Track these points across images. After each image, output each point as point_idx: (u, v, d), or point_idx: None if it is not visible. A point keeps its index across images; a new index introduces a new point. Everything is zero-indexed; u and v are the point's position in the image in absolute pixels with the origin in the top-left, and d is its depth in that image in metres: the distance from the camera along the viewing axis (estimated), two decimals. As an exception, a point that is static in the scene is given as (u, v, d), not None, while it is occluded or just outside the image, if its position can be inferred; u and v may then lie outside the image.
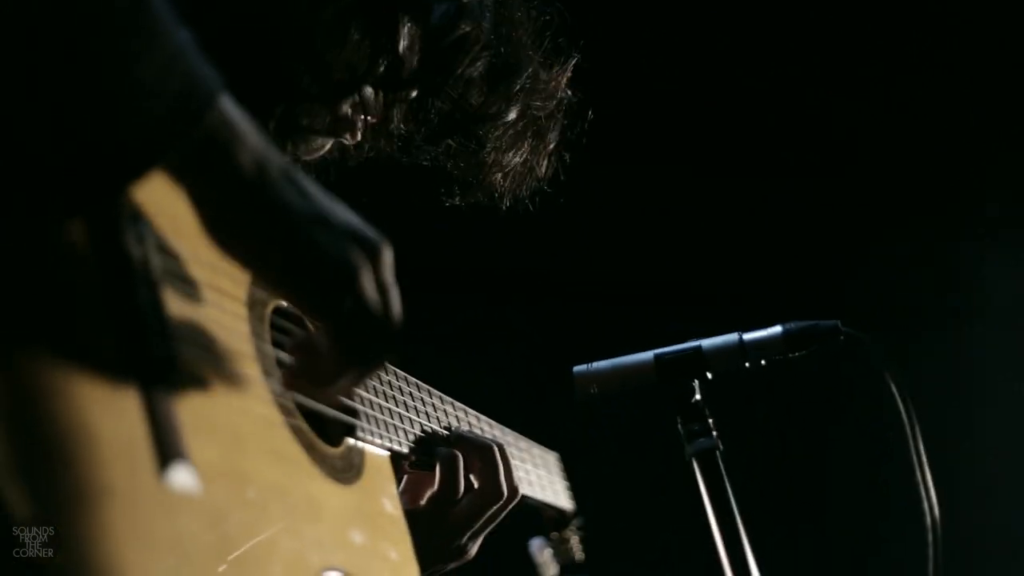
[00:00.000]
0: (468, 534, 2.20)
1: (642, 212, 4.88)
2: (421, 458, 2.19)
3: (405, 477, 2.27)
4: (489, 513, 2.21)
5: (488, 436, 2.38)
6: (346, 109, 1.96)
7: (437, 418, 2.22)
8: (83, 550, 1.12)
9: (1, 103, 1.18)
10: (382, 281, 1.47)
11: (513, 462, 2.45)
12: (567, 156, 2.28)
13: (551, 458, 2.80)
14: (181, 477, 1.27)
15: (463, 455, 2.18)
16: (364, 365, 1.50)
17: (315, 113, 1.94)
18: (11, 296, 1.17)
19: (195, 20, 1.74)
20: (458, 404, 2.35)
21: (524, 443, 2.63)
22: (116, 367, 1.24)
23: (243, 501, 1.40)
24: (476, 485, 2.20)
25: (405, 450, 2.03)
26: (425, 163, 2.17)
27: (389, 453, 1.97)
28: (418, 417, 2.13)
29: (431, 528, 2.13)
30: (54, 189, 1.22)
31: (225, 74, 1.76)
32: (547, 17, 2.18)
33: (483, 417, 2.45)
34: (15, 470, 1.09)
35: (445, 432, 2.26)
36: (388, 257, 1.47)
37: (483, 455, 2.23)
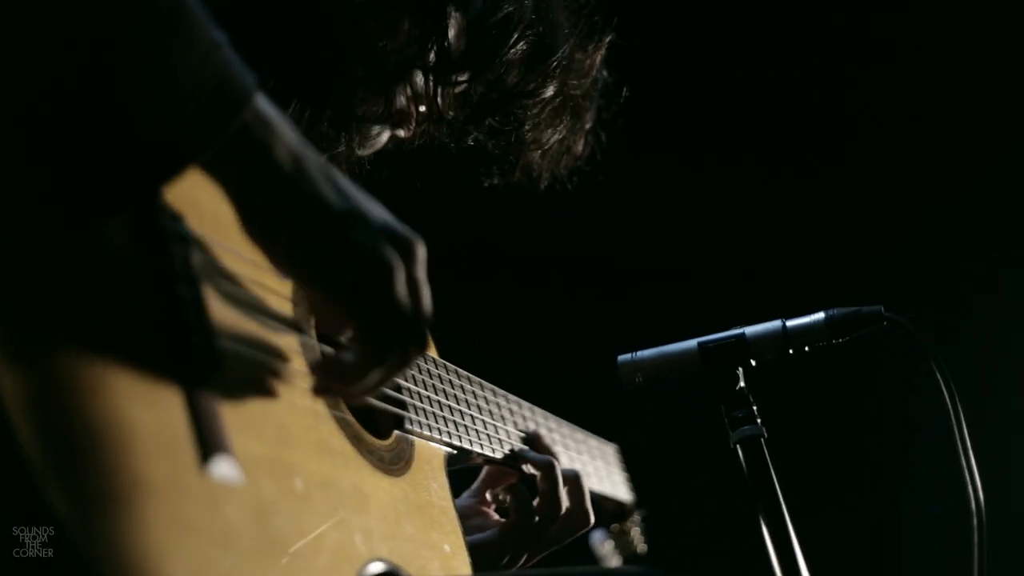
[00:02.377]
0: (542, 551, 2.17)
1: (674, 199, 4.81)
2: (505, 458, 2.17)
3: (484, 471, 2.26)
4: (572, 537, 2.21)
5: (544, 430, 2.32)
6: (401, 100, 1.92)
7: (489, 411, 2.17)
8: (123, 543, 1.09)
9: (41, 102, 1.14)
10: (414, 278, 1.43)
11: (570, 454, 2.40)
12: (603, 136, 2.23)
13: (609, 450, 2.74)
14: (224, 470, 1.23)
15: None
16: (392, 362, 1.45)
17: (369, 101, 1.90)
18: (51, 293, 1.14)
19: (248, 13, 1.73)
20: (511, 396, 2.29)
21: (581, 435, 2.57)
22: (157, 362, 1.21)
23: (288, 493, 1.36)
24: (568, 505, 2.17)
25: (456, 443, 1.97)
26: (470, 144, 2.12)
27: (442, 445, 1.92)
28: (469, 409, 2.07)
29: (515, 539, 2.11)
30: (94, 187, 1.19)
31: (279, 64, 1.77)
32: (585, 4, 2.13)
33: (537, 409, 2.39)
34: (54, 465, 1.05)
35: (522, 436, 2.25)
36: (421, 254, 1.44)
37: (569, 480, 2.20)
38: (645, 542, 2.74)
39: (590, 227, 4.41)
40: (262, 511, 1.29)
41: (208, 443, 1.22)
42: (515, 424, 2.24)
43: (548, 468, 2.15)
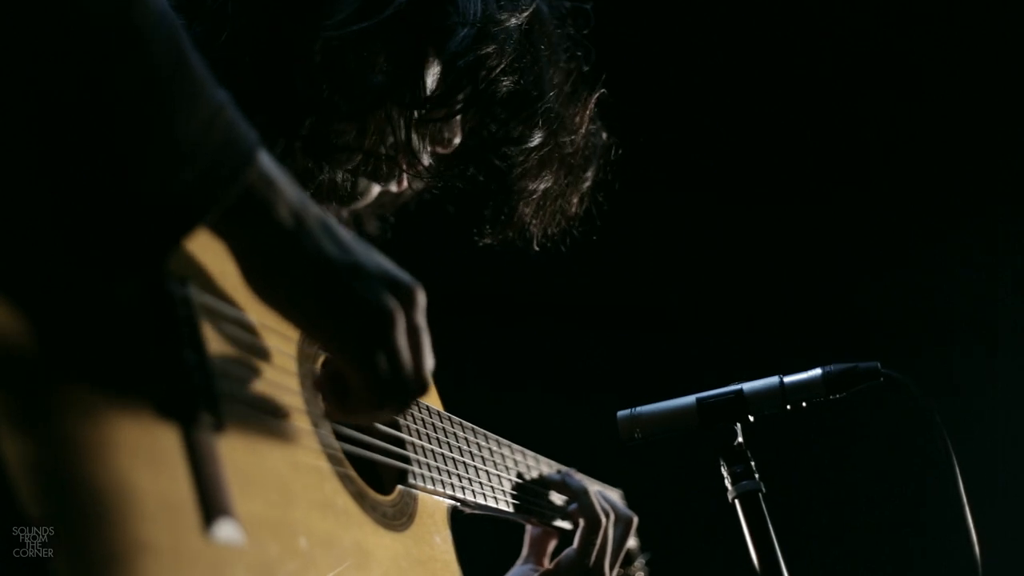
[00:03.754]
0: (608, 561, 2.22)
1: (669, 243, 4.78)
2: (540, 511, 2.19)
3: (528, 537, 2.31)
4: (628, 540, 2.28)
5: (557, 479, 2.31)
6: (383, 149, 1.91)
7: (493, 461, 2.15)
8: (125, 609, 1.06)
9: (46, 166, 1.14)
10: (414, 326, 1.44)
11: None
12: (601, 198, 2.21)
13: (614, 495, 2.71)
14: (227, 532, 1.21)
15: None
16: (392, 408, 1.50)
17: (344, 132, 1.88)
18: (55, 357, 1.12)
19: (226, 41, 1.73)
20: (515, 446, 2.27)
21: (586, 481, 2.54)
22: (160, 424, 1.19)
23: (291, 553, 1.34)
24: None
25: (460, 495, 1.95)
26: (458, 190, 2.11)
27: (445, 498, 1.90)
28: (472, 461, 2.05)
29: (580, 561, 2.18)
30: (99, 251, 1.18)
31: (255, 93, 1.76)
32: (573, 53, 2.11)
33: (541, 457, 2.37)
34: (56, 528, 1.04)
35: (555, 475, 2.28)
36: (421, 301, 1.45)
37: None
38: (647, 577, 2.71)
39: (591, 274, 4.39)
40: (265, 572, 1.27)
41: (211, 506, 1.20)
42: (519, 474, 2.23)
43: (595, 521, 2.20)
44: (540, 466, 2.34)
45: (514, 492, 2.16)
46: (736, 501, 1.98)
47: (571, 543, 2.22)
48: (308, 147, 1.88)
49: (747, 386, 2.06)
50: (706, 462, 2.07)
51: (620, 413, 2.10)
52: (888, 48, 4.60)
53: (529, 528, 2.33)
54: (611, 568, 2.23)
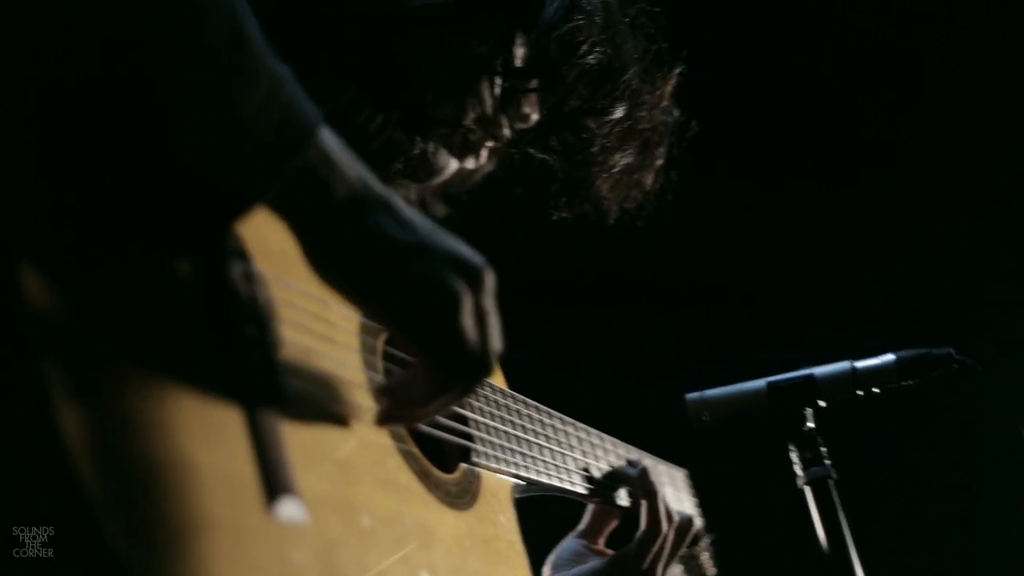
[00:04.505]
0: (662, 566, 2.17)
1: (745, 223, 4.70)
2: (606, 494, 2.15)
3: (588, 512, 2.26)
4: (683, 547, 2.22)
5: (614, 456, 2.27)
6: (470, 122, 1.88)
7: (558, 440, 2.11)
8: (183, 586, 1.03)
9: (107, 143, 1.10)
10: (482, 307, 1.38)
11: None
12: (673, 175, 2.16)
13: (679, 475, 2.66)
14: (289, 510, 1.17)
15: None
16: (457, 392, 1.43)
17: (441, 105, 1.85)
18: (117, 331, 1.09)
19: (325, 14, 1.71)
20: (579, 424, 2.23)
21: (650, 460, 2.50)
22: (221, 401, 1.16)
23: (353, 531, 1.30)
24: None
25: (524, 474, 1.91)
26: (530, 168, 2.07)
27: (509, 477, 1.86)
28: (536, 439, 2.01)
29: (633, 563, 2.13)
30: (158, 228, 1.15)
31: (353, 67, 1.74)
32: (651, 31, 2.07)
33: (606, 436, 2.32)
34: (114, 504, 1.00)
35: (629, 469, 2.23)
36: (489, 282, 1.39)
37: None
38: (715, 567, 2.66)
39: (660, 252, 4.33)
40: (327, 551, 1.24)
41: (273, 484, 1.17)
42: (583, 453, 2.18)
43: (657, 528, 2.15)
44: (606, 445, 2.29)
45: (578, 472, 2.12)
46: (806, 487, 1.93)
47: (631, 525, 2.18)
48: (405, 121, 1.84)
49: (818, 371, 2.01)
50: (775, 447, 2.02)
51: (689, 395, 2.05)
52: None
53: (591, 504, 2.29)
54: (664, 570, 2.19)
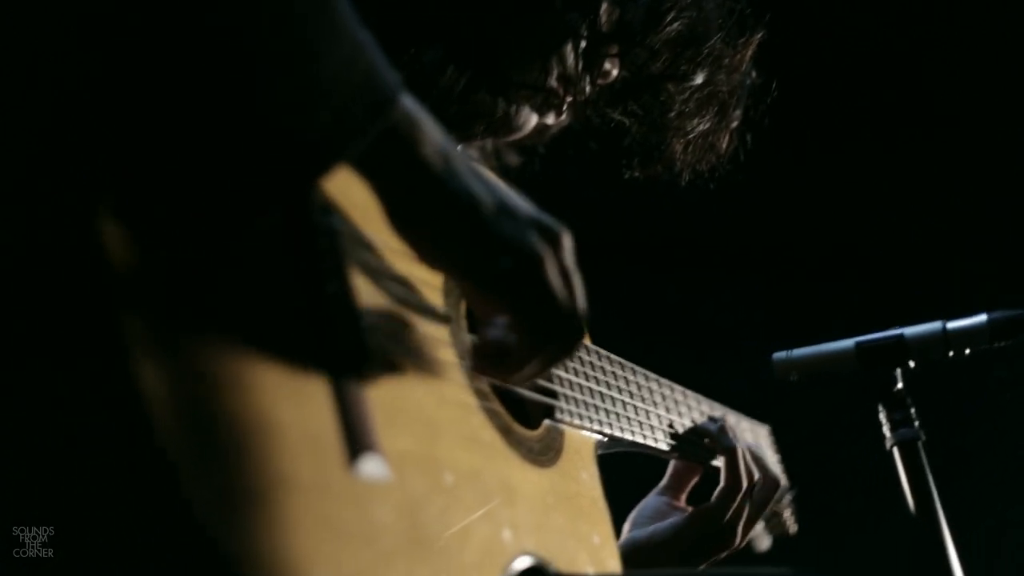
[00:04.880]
0: (743, 523, 2.16)
1: (832, 185, 4.62)
2: (688, 449, 2.14)
3: (670, 468, 2.26)
4: (771, 503, 2.21)
5: (697, 413, 2.25)
6: (553, 76, 1.86)
7: (641, 396, 2.09)
8: (265, 544, 1.03)
9: (189, 101, 1.10)
10: (565, 268, 1.37)
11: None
12: (749, 138, 2.13)
13: (762, 431, 2.64)
14: (372, 468, 1.17)
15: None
16: (553, 352, 1.41)
17: (526, 68, 1.85)
18: (197, 286, 1.09)
19: None
20: (663, 380, 2.21)
21: (734, 416, 2.48)
22: (304, 359, 1.16)
23: (436, 488, 1.30)
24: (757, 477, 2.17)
25: (607, 431, 1.90)
26: (611, 125, 2.06)
27: (592, 433, 1.85)
28: (620, 396, 2.00)
29: (713, 519, 2.12)
30: (239, 187, 1.14)
31: (439, 29, 1.77)
32: None
33: (689, 392, 2.31)
34: (195, 462, 1.00)
35: (709, 424, 2.22)
36: (569, 244, 1.38)
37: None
38: (796, 523, 2.64)
39: (743, 212, 4.28)
40: (410, 509, 1.23)
41: (356, 441, 1.16)
42: (667, 409, 2.17)
43: (736, 484, 2.13)
44: (689, 401, 2.27)
45: (661, 428, 2.11)
46: (894, 448, 1.90)
47: (713, 482, 2.17)
48: (488, 83, 1.84)
49: (908, 330, 1.97)
50: (862, 406, 1.98)
51: (776, 355, 2.03)
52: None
53: (674, 461, 2.28)
54: (746, 529, 2.18)
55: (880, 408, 1.92)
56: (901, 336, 1.95)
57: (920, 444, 1.88)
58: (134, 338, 1.00)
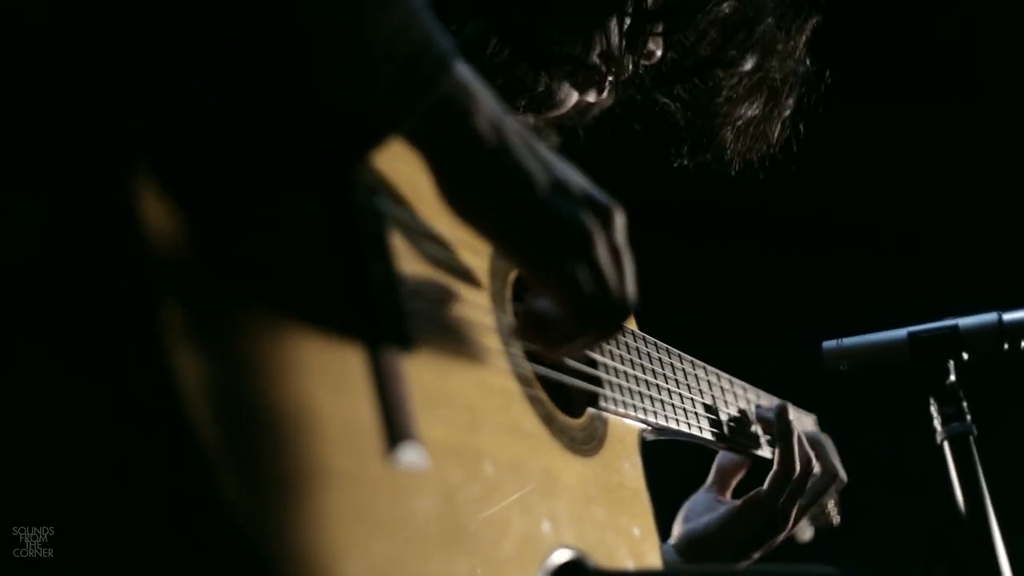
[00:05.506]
0: (796, 510, 2.15)
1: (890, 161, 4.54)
2: (736, 439, 2.13)
3: (716, 464, 2.26)
4: (827, 493, 2.21)
5: (744, 401, 2.23)
6: (595, 52, 1.84)
7: (688, 384, 2.07)
8: (301, 535, 1.02)
9: (234, 69, 1.08)
10: (615, 245, 1.36)
11: None
12: (802, 127, 2.09)
13: (808, 420, 2.61)
14: (411, 457, 1.16)
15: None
16: (599, 330, 1.40)
17: (567, 43, 1.83)
18: (239, 272, 1.07)
19: None
20: (709, 368, 2.18)
21: (792, 414, 2.45)
22: (345, 344, 1.14)
23: (475, 478, 1.29)
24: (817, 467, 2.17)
25: (652, 420, 1.87)
26: (660, 108, 2.03)
27: (637, 422, 1.83)
28: (666, 384, 1.98)
29: (765, 505, 2.11)
30: (288, 160, 1.13)
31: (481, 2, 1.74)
32: None
33: (736, 380, 2.28)
34: (230, 451, 0.99)
35: (766, 411, 2.21)
36: (620, 221, 1.37)
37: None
38: (839, 514, 2.61)
39: (792, 198, 4.22)
40: (449, 499, 1.22)
41: (395, 430, 1.15)
42: (714, 397, 2.14)
43: (789, 470, 2.11)
44: (735, 389, 2.24)
45: (707, 417, 2.08)
46: (945, 443, 1.86)
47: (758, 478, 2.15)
48: (532, 56, 1.82)
49: (963, 321, 1.93)
50: (913, 397, 1.95)
51: (826, 344, 2.00)
52: None
53: (719, 454, 2.26)
54: (799, 516, 2.15)
55: (931, 401, 1.88)
56: (956, 327, 1.92)
57: (972, 439, 1.85)
58: (172, 327, 0.99)
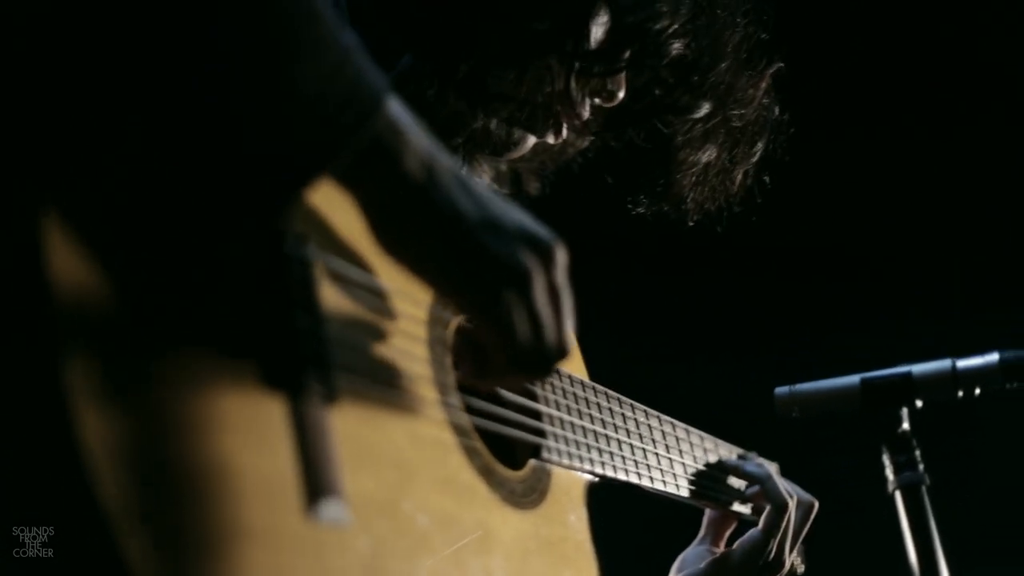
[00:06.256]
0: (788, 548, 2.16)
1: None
2: (720, 496, 2.15)
3: (706, 518, 2.26)
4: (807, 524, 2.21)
5: (700, 451, 2.21)
6: (540, 97, 1.83)
7: (639, 434, 2.04)
8: (215, 598, 0.99)
9: (158, 107, 1.07)
10: (554, 285, 1.36)
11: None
12: (767, 179, 2.07)
13: (772, 468, 2.59)
14: (333, 513, 1.14)
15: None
16: (530, 373, 1.42)
17: (502, 77, 1.80)
18: (150, 320, 1.05)
19: None
20: (664, 418, 2.15)
21: (741, 453, 2.43)
22: (265, 397, 1.12)
23: (404, 534, 1.27)
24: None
25: (599, 471, 1.84)
26: (616, 150, 2.01)
27: (584, 473, 1.80)
28: (616, 434, 1.95)
29: (761, 546, 2.12)
30: (216, 202, 1.11)
31: (411, 32, 1.74)
32: (752, 23, 1.98)
33: (692, 429, 2.25)
34: (137, 515, 0.97)
35: (735, 460, 2.23)
36: (561, 258, 1.36)
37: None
38: (804, 563, 2.59)
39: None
40: (374, 557, 1.20)
41: (316, 485, 1.13)
42: (667, 447, 2.11)
43: (783, 505, 2.11)
44: (691, 437, 2.22)
45: (667, 469, 2.06)
46: (896, 493, 1.85)
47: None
48: (464, 91, 1.81)
49: (916, 368, 1.92)
50: (865, 448, 1.94)
51: (778, 390, 1.99)
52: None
53: (708, 511, 2.26)
54: (790, 552, 2.15)
55: (883, 449, 1.87)
56: (909, 374, 1.91)
57: (924, 489, 1.83)
58: (78, 380, 0.97)
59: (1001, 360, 1.87)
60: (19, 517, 0.96)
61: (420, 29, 1.76)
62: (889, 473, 1.87)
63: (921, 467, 1.85)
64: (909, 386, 1.90)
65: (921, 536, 1.81)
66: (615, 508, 2.05)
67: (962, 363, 1.90)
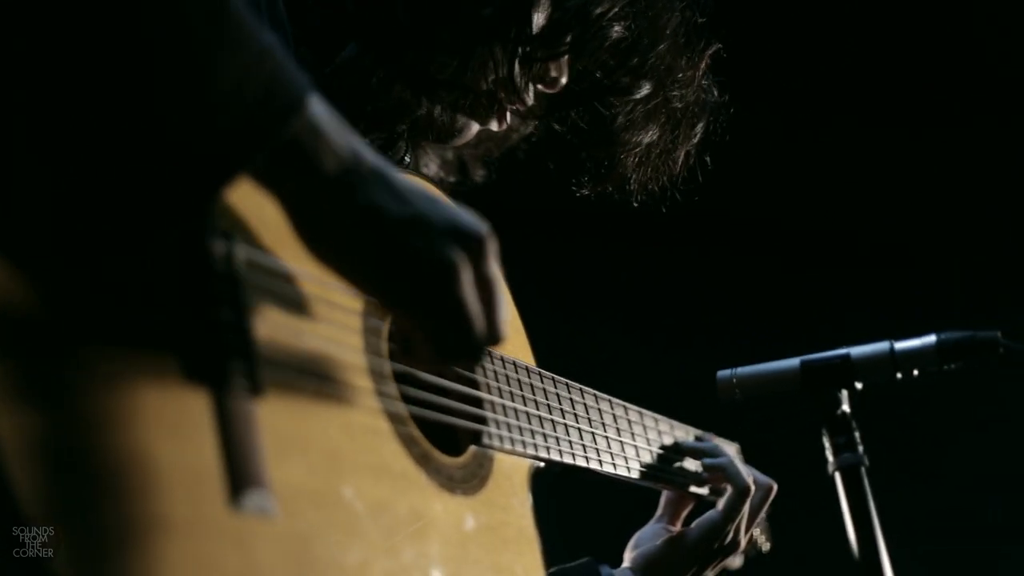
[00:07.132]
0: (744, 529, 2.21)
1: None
2: (676, 479, 2.19)
3: (663, 499, 2.30)
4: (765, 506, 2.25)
5: (655, 433, 2.23)
6: (484, 84, 1.87)
7: (588, 418, 2.06)
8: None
9: (78, 112, 1.08)
10: (485, 276, 1.37)
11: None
12: (708, 159, 2.10)
13: (731, 449, 2.62)
14: (256, 503, 1.16)
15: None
16: (460, 361, 1.50)
17: (444, 64, 1.84)
18: (71, 316, 1.07)
19: None
20: (616, 401, 2.17)
21: (700, 434, 2.45)
22: (187, 390, 1.14)
23: (333, 523, 1.29)
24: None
25: (544, 455, 1.87)
26: (560, 134, 2.04)
27: (526, 458, 1.83)
28: (563, 419, 1.97)
29: (719, 527, 2.16)
30: (136, 196, 1.12)
31: (355, 21, 1.78)
32: (689, 7, 2.01)
33: (646, 412, 2.27)
34: (55, 509, 0.98)
35: (693, 442, 2.26)
36: (492, 249, 1.38)
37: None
38: (768, 541, 2.62)
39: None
40: (301, 546, 1.22)
41: (240, 476, 1.15)
42: (617, 430, 2.14)
43: (745, 488, 2.15)
44: (645, 420, 2.24)
45: (617, 452, 2.08)
46: (836, 474, 1.88)
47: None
48: (407, 80, 1.84)
49: (855, 350, 1.95)
50: (808, 430, 1.96)
51: (720, 373, 2.01)
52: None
53: (666, 491, 2.30)
54: (746, 534, 2.21)
55: (823, 431, 1.90)
56: (848, 356, 1.93)
57: (863, 470, 1.86)
58: None
59: (938, 342, 1.90)
60: None
61: (363, 18, 1.78)
62: (829, 455, 1.90)
63: (860, 448, 1.88)
64: (848, 368, 1.93)
65: (860, 516, 1.84)
66: (573, 491, 2.08)
67: (900, 345, 1.92)
